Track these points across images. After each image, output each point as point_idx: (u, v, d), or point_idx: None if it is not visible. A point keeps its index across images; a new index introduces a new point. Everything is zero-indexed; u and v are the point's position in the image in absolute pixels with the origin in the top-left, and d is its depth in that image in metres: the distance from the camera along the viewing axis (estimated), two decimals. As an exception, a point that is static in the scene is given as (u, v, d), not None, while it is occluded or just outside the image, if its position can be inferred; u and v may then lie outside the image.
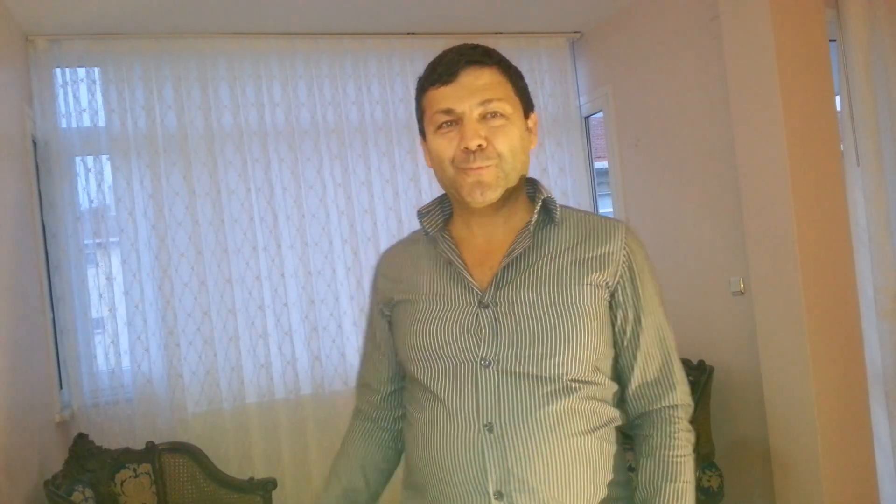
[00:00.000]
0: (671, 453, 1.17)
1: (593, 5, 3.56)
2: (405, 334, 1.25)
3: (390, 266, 1.35)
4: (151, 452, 2.86)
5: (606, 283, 1.17)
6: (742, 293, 2.94)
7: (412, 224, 3.58)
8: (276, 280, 3.34)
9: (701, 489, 2.76)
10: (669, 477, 1.16)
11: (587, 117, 4.05)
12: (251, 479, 2.87)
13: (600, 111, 3.90)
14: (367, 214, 3.51)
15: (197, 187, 3.27)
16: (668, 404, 1.19)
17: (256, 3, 3.06)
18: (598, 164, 4.32)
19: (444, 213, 1.30)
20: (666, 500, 1.14)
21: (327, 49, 3.51)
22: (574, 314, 1.14)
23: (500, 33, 3.70)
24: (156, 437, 2.97)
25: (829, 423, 2.62)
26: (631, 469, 1.21)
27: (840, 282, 2.69)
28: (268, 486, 2.82)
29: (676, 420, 1.19)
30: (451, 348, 1.18)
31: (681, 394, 1.20)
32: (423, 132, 1.24)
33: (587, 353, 1.14)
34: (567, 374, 1.13)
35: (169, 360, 3.18)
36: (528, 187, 1.27)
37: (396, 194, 3.57)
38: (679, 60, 3.25)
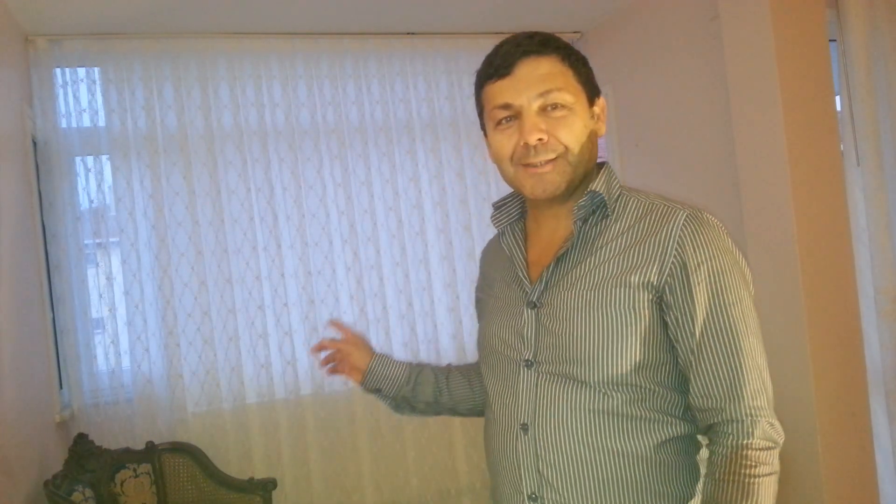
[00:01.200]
0: (730, 470, 1.02)
1: (593, 5, 3.56)
2: (478, 331, 1.29)
3: (483, 261, 1.38)
4: (151, 452, 2.86)
5: (651, 283, 1.07)
6: (742, 293, 2.93)
7: (412, 224, 3.59)
8: (276, 280, 3.34)
9: (701, 489, 2.75)
10: (727, 499, 1.01)
11: (587, 117, 4.05)
12: (251, 479, 2.87)
13: (600, 111, 3.89)
14: (367, 214, 3.51)
15: (197, 187, 3.27)
16: (728, 418, 1.04)
17: (256, 3, 3.06)
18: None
19: (522, 205, 1.27)
20: None
21: (327, 49, 3.51)
22: (611, 317, 1.07)
23: (500, 33, 3.66)
24: (156, 437, 2.97)
25: (829, 423, 2.61)
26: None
27: (840, 282, 2.69)
28: (268, 486, 2.82)
29: (741, 435, 1.03)
30: (502, 347, 1.19)
31: (748, 407, 1.03)
32: (484, 128, 1.22)
33: (625, 357, 1.07)
34: (603, 379, 1.07)
35: (169, 360, 3.18)
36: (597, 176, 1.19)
37: (396, 194, 3.57)
38: (679, 60, 3.25)
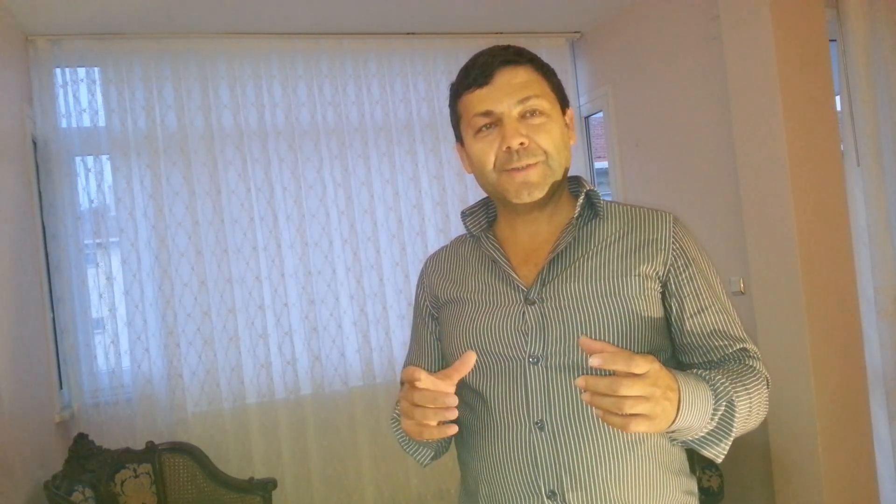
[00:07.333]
0: (743, 367, 1.10)
1: (593, 5, 3.56)
2: (452, 335, 1.23)
3: (437, 268, 1.33)
4: (151, 452, 2.86)
5: (657, 274, 1.15)
6: (742, 293, 2.94)
7: (412, 224, 3.59)
8: (276, 280, 3.34)
9: (701, 489, 2.76)
10: (733, 379, 1.05)
11: (587, 117, 4.05)
12: (251, 479, 2.87)
13: (600, 111, 3.90)
14: (367, 214, 3.51)
15: (197, 187, 3.27)
16: (739, 348, 1.14)
17: (256, 3, 3.06)
18: (598, 164, 4.32)
19: (488, 214, 1.30)
20: (721, 390, 1.03)
21: (327, 49, 3.51)
22: (624, 305, 1.11)
23: (501, 33, 3.70)
24: (156, 437, 2.97)
25: (829, 423, 2.62)
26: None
27: (840, 282, 2.69)
28: (268, 486, 2.83)
29: (751, 358, 1.13)
30: (498, 346, 1.16)
31: (751, 345, 1.15)
32: (459, 138, 1.24)
33: (639, 343, 1.11)
34: None
35: (169, 360, 3.18)
36: (572, 185, 1.25)
37: (396, 194, 3.57)
38: (679, 60, 3.25)
